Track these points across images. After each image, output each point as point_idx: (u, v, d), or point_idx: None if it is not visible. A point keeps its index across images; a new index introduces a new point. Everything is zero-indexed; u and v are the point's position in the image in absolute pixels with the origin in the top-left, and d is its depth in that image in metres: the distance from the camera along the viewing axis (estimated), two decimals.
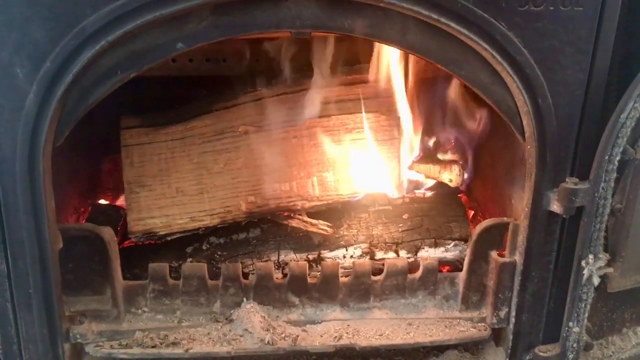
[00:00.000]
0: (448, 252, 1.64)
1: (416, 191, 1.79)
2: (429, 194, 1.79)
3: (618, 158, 1.26)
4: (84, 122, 1.24)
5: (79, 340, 1.40)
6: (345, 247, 1.61)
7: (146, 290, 1.46)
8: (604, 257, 1.34)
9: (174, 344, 1.41)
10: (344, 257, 1.61)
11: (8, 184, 1.21)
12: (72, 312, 1.41)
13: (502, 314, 1.48)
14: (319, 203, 1.63)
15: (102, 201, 1.85)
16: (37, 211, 1.24)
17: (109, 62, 1.19)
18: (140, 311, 1.47)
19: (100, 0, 1.12)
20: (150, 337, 1.41)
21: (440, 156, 1.86)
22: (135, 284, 1.46)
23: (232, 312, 1.47)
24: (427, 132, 1.84)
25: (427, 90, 1.78)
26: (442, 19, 1.19)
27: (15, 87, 1.15)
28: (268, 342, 1.40)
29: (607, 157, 1.25)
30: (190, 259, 1.56)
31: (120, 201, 1.79)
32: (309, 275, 1.50)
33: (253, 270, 1.53)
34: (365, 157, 1.64)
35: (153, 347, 1.40)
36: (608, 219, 1.32)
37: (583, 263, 1.33)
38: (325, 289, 1.50)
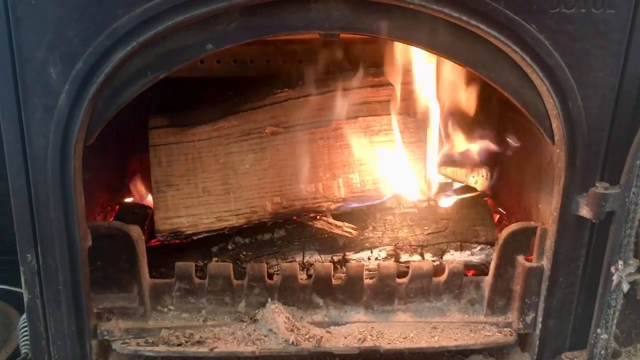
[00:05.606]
0: (474, 255, 1.63)
1: (441, 194, 1.78)
2: (454, 197, 1.78)
3: None
4: (112, 121, 1.26)
5: (106, 337, 1.42)
6: (370, 249, 1.61)
7: (172, 289, 1.48)
8: (634, 263, 1.32)
9: (199, 342, 1.42)
10: (369, 259, 1.61)
11: (40, 181, 1.24)
12: (100, 309, 1.43)
13: (529, 319, 1.47)
14: (344, 204, 1.63)
15: (128, 199, 1.87)
16: (68, 209, 1.26)
17: (139, 62, 1.21)
18: (166, 309, 1.49)
19: (132, 2, 1.14)
20: (175, 335, 1.43)
21: (467, 159, 1.84)
22: (161, 282, 1.48)
23: (256, 312, 1.47)
24: (454, 135, 1.83)
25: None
26: (472, 21, 1.18)
27: (49, 86, 1.18)
28: (292, 342, 1.40)
29: (638, 162, 1.24)
30: (216, 259, 1.57)
31: (148, 200, 1.81)
32: (333, 276, 1.50)
33: (278, 270, 1.53)
34: (391, 159, 1.63)
35: (178, 345, 1.41)
36: (638, 224, 1.30)
37: (612, 269, 1.32)
38: (350, 291, 1.50)
